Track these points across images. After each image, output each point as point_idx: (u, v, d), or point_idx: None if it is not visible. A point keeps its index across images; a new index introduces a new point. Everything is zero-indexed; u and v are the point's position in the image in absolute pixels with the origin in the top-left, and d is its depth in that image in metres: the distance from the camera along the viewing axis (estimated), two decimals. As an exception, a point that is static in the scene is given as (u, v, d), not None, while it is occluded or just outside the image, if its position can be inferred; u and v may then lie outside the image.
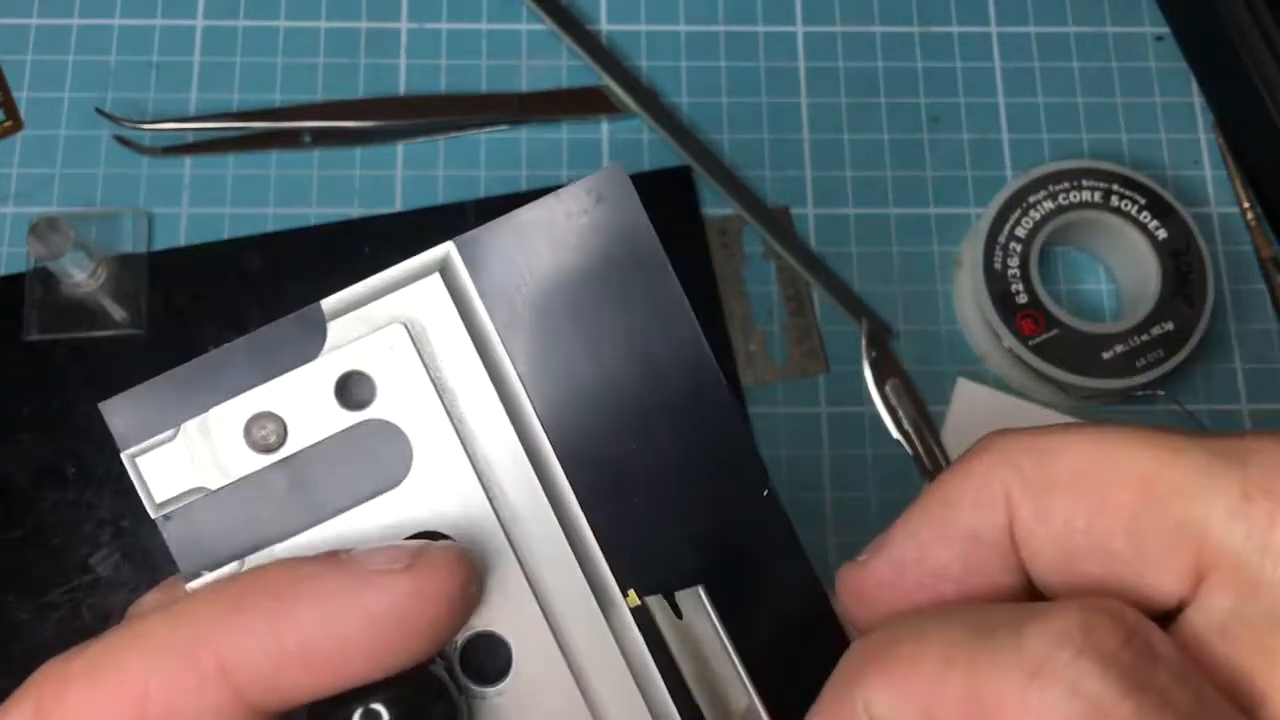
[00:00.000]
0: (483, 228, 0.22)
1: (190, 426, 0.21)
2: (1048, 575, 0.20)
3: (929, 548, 0.21)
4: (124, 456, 0.22)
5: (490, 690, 0.21)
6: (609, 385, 0.22)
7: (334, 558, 0.20)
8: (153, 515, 0.21)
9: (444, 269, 0.22)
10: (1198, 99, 0.59)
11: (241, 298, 0.54)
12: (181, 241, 0.55)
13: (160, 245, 0.55)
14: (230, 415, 0.21)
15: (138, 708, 0.19)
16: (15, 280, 0.53)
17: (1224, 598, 0.18)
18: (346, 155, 0.56)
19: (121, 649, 0.20)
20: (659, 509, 0.22)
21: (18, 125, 0.56)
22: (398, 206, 0.56)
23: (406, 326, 0.22)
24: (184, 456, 0.21)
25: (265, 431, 0.21)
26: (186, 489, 0.21)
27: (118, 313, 0.53)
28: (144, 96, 0.57)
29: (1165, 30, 0.60)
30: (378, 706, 0.20)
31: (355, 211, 0.56)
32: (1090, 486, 0.19)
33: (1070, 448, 0.20)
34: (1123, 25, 0.60)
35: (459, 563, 0.20)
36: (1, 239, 0.55)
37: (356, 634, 0.19)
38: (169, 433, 0.21)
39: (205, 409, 0.21)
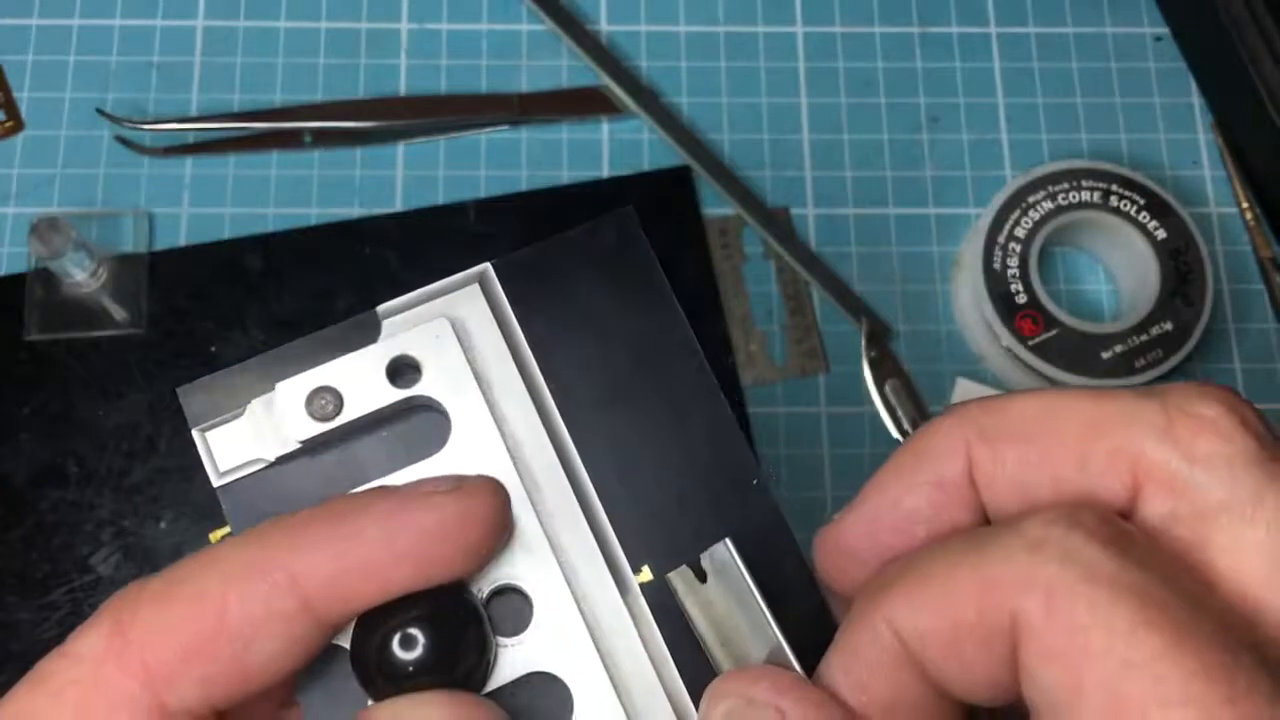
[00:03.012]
0: (513, 254, 0.26)
1: (256, 404, 0.24)
2: (1006, 508, 0.22)
3: (900, 496, 0.23)
4: (194, 432, 0.24)
5: (512, 640, 0.24)
6: (619, 383, 0.25)
7: (385, 487, 0.23)
8: (214, 484, 0.24)
9: (482, 281, 0.26)
10: (1197, 99, 0.59)
11: (241, 298, 0.54)
12: (182, 241, 0.55)
13: (160, 245, 0.55)
14: (294, 388, 0.24)
15: (216, 617, 0.21)
16: (16, 280, 0.54)
17: (1159, 504, 0.21)
18: (347, 155, 0.57)
19: (199, 568, 0.22)
20: (663, 493, 0.25)
21: (18, 125, 0.56)
22: (398, 206, 0.56)
23: (451, 322, 0.25)
24: (248, 431, 0.24)
25: (324, 402, 0.24)
26: (247, 460, 0.24)
27: (118, 313, 0.53)
28: (144, 97, 0.57)
29: (1164, 30, 0.60)
30: (414, 630, 0.22)
31: (355, 211, 0.56)
32: (1040, 430, 0.22)
33: (1021, 403, 0.22)
34: (1122, 26, 0.60)
35: (495, 490, 0.23)
36: (2, 239, 0.55)
37: (410, 546, 0.22)
38: (236, 410, 0.24)
39: (270, 391, 0.24)
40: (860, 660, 0.21)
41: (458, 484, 0.23)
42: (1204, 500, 0.20)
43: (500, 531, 0.23)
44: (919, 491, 0.23)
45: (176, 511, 0.51)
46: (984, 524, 0.23)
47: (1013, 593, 0.19)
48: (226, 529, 0.24)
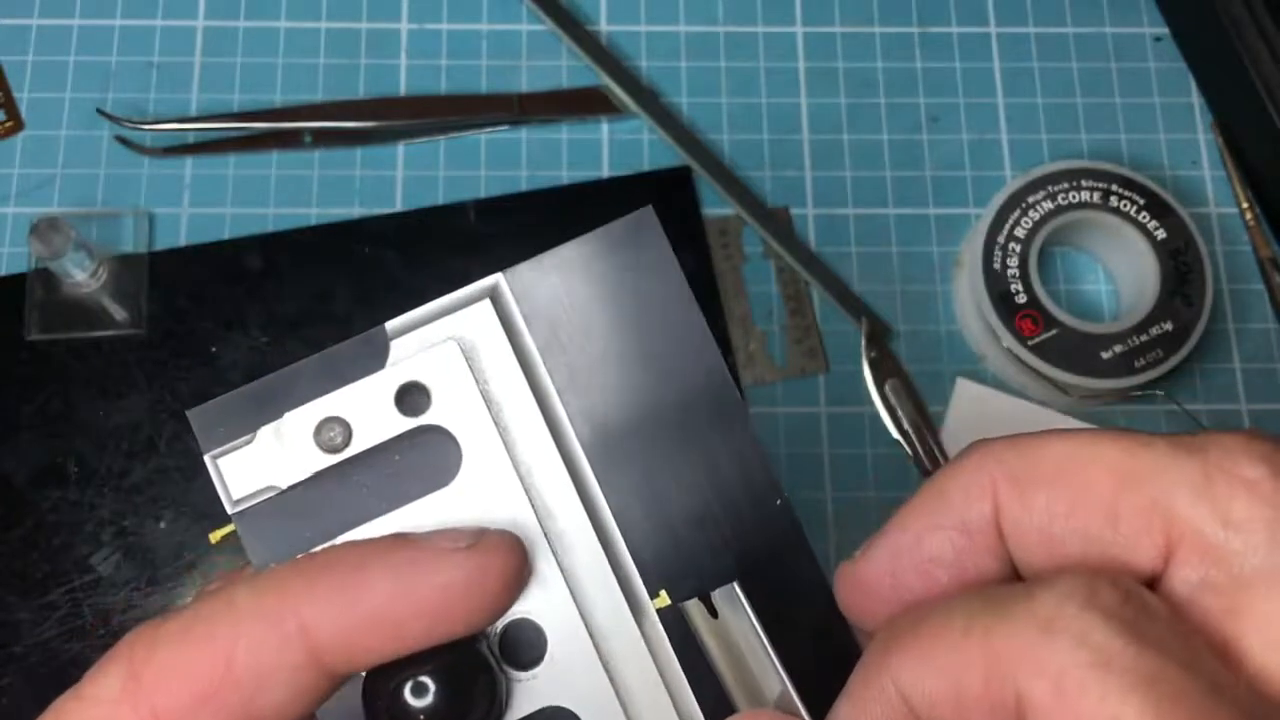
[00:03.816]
0: (528, 261, 0.25)
1: (266, 430, 0.24)
2: (1032, 559, 0.21)
3: (922, 537, 0.22)
4: (206, 458, 0.24)
5: (525, 674, 0.23)
6: (638, 404, 0.25)
7: (402, 536, 0.22)
8: (229, 511, 0.24)
9: (493, 295, 0.25)
10: (1197, 99, 0.59)
11: (241, 298, 0.54)
12: (182, 241, 0.55)
13: (160, 245, 0.55)
14: (302, 419, 0.23)
15: (224, 665, 0.21)
16: (16, 280, 0.54)
17: (1192, 569, 0.20)
18: (347, 155, 0.57)
19: (211, 613, 0.22)
20: (683, 516, 0.24)
21: (19, 125, 0.56)
22: (398, 206, 0.56)
23: (460, 345, 0.24)
24: (259, 458, 0.23)
25: (333, 434, 0.23)
26: (260, 487, 0.23)
27: (118, 313, 0.53)
28: (145, 97, 0.57)
29: (1164, 31, 0.60)
30: (427, 678, 0.22)
31: (355, 211, 0.56)
32: (1070, 477, 0.21)
33: (1051, 446, 0.21)
34: (1122, 26, 0.60)
35: (513, 547, 0.23)
36: (3, 239, 0.55)
37: (424, 603, 0.21)
38: (247, 437, 0.24)
39: (280, 416, 0.23)
40: (867, 716, 0.21)
41: (475, 540, 0.22)
42: (1239, 568, 0.19)
43: (517, 590, 0.23)
44: (942, 534, 0.22)
45: (176, 511, 0.51)
46: (1010, 571, 0.22)
47: (1020, 672, 0.18)
48: (226, 529, 0.24)
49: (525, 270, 0.25)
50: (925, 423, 0.53)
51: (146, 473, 0.51)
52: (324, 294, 0.54)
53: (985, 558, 0.22)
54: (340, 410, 0.23)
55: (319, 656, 0.21)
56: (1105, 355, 0.52)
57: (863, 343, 0.54)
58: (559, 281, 0.25)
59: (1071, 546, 0.21)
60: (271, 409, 0.24)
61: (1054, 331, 0.53)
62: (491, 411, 0.24)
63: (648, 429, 0.24)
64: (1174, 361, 0.52)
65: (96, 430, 0.52)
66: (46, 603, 0.50)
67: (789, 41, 0.59)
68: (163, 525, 0.51)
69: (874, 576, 0.23)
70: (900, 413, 0.53)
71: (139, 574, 0.50)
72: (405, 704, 0.21)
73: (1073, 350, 0.52)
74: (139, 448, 0.52)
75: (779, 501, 0.25)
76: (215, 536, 0.24)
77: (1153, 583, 0.20)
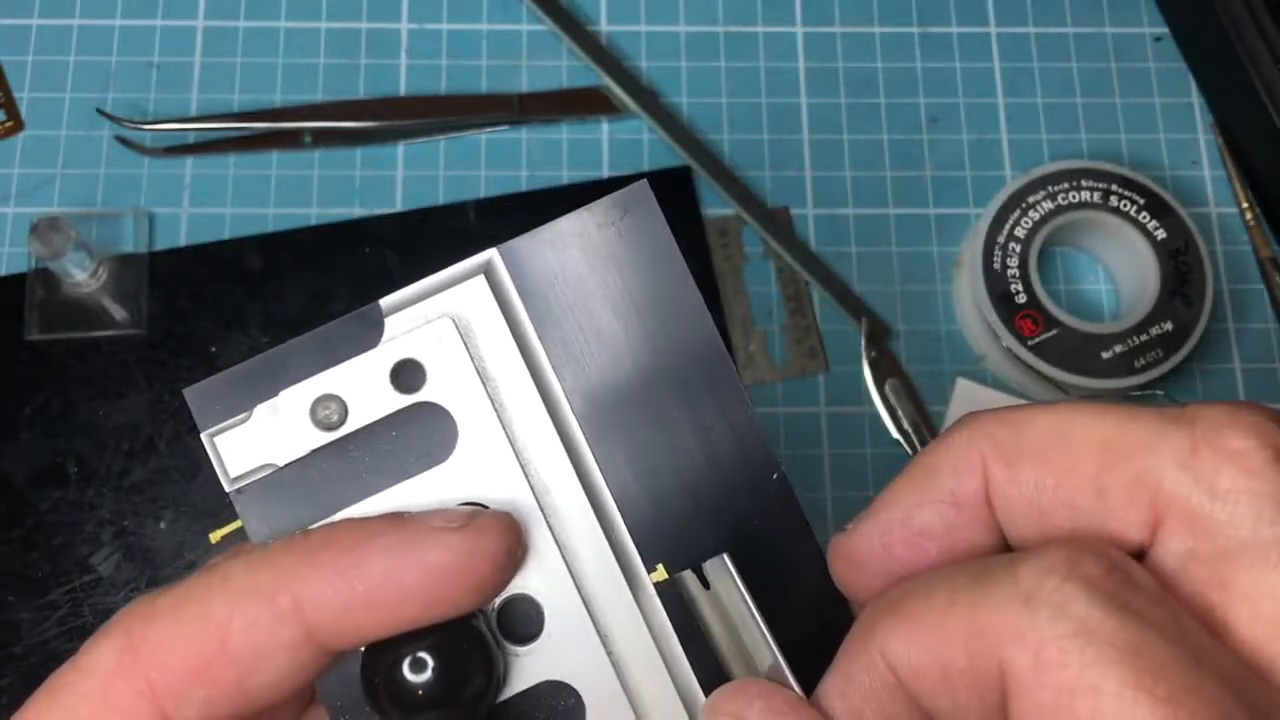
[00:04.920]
0: (523, 236, 0.25)
1: (262, 408, 0.24)
2: (1021, 531, 0.22)
3: (913, 511, 0.22)
4: (203, 436, 0.24)
5: (523, 649, 0.23)
6: (633, 377, 0.25)
7: (397, 516, 0.23)
8: (227, 489, 0.24)
9: (488, 271, 0.25)
10: (1197, 99, 0.59)
11: (241, 298, 0.54)
12: (182, 241, 0.55)
13: (160, 245, 0.55)
14: (298, 396, 0.23)
15: (219, 640, 0.21)
16: (16, 280, 0.54)
17: (1179, 541, 0.20)
18: (347, 155, 0.57)
19: (206, 588, 0.22)
20: (680, 490, 0.24)
21: (19, 125, 0.56)
22: (398, 206, 0.56)
23: (455, 321, 0.24)
24: (256, 435, 0.24)
25: (329, 411, 0.23)
26: (257, 465, 0.24)
27: (118, 313, 0.53)
28: (145, 97, 0.57)
29: (1164, 30, 0.60)
30: (424, 654, 0.22)
31: (355, 211, 0.56)
32: (1058, 450, 0.21)
33: (1039, 419, 0.21)
34: (1122, 26, 0.60)
35: (507, 527, 0.23)
36: (3, 239, 0.55)
37: (416, 583, 0.21)
38: (243, 415, 0.24)
39: (276, 393, 0.24)
40: (855, 686, 0.21)
41: (469, 520, 0.22)
42: (1225, 539, 0.19)
43: (510, 570, 0.23)
44: (932, 508, 0.22)
45: (176, 511, 0.51)
46: (1001, 542, 0.22)
47: (1002, 644, 0.18)
48: (226, 529, 0.24)
49: (519, 245, 0.25)
50: (925, 423, 0.53)
51: (146, 473, 0.51)
52: (324, 294, 0.54)
53: (975, 530, 0.22)
54: (336, 388, 0.23)
55: (313, 634, 0.21)
56: (1105, 355, 0.52)
57: (863, 343, 0.54)
58: (554, 256, 0.25)
59: (1060, 518, 0.21)
60: (268, 386, 0.24)
61: (1054, 331, 0.53)
62: (487, 388, 0.24)
63: (643, 402, 0.24)
64: (1174, 361, 0.52)
65: (96, 430, 0.52)
66: (46, 603, 0.50)
67: (789, 41, 0.59)
68: (163, 525, 0.51)
69: (865, 549, 0.23)
70: (900, 413, 0.53)
71: (139, 574, 0.50)
72: (403, 679, 0.22)
73: (1073, 350, 0.52)
74: (139, 448, 0.52)
75: (775, 475, 0.25)
76: (215, 536, 0.24)
77: (1141, 554, 0.20)
